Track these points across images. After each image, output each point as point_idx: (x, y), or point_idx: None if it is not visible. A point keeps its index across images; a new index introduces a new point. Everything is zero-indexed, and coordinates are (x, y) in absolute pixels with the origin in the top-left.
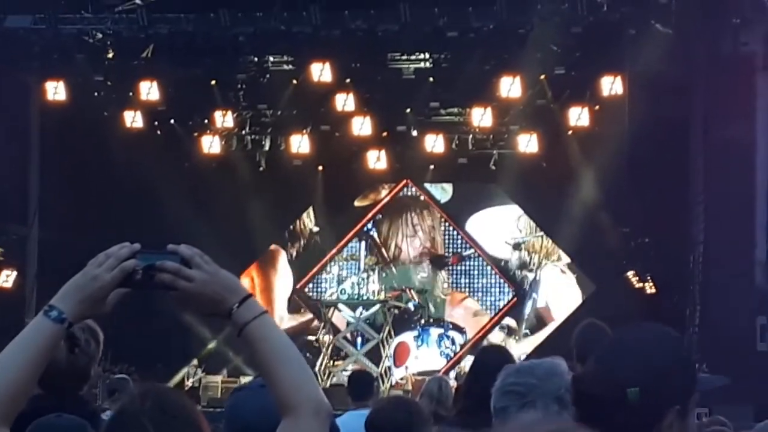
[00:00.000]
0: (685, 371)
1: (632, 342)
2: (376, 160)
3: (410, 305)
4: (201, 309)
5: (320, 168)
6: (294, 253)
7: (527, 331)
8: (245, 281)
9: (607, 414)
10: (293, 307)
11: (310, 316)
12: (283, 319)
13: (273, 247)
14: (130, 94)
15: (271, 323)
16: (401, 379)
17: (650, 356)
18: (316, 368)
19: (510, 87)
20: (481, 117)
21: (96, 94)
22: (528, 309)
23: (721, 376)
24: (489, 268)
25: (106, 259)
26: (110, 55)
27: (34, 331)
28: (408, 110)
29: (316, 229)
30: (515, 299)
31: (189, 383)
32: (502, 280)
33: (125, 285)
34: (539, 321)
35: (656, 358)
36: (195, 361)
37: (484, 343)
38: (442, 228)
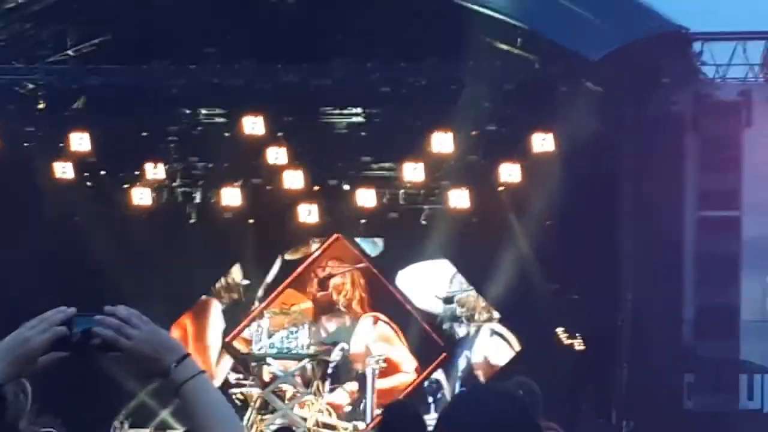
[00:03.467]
0: (526, 428)
1: (472, 401)
2: (308, 213)
3: (339, 359)
4: (139, 369)
5: (251, 221)
6: (224, 306)
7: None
8: (176, 332)
9: None
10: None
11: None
12: (218, 372)
13: (204, 298)
14: (61, 144)
15: (208, 383)
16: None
17: (489, 416)
18: (244, 422)
19: (442, 142)
20: (413, 172)
21: (26, 144)
22: (462, 364)
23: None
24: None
25: (39, 323)
26: (41, 106)
27: None
28: (340, 164)
29: (245, 282)
30: (445, 355)
31: None
32: (431, 336)
33: (61, 348)
34: (471, 376)
35: (495, 418)
36: (122, 415)
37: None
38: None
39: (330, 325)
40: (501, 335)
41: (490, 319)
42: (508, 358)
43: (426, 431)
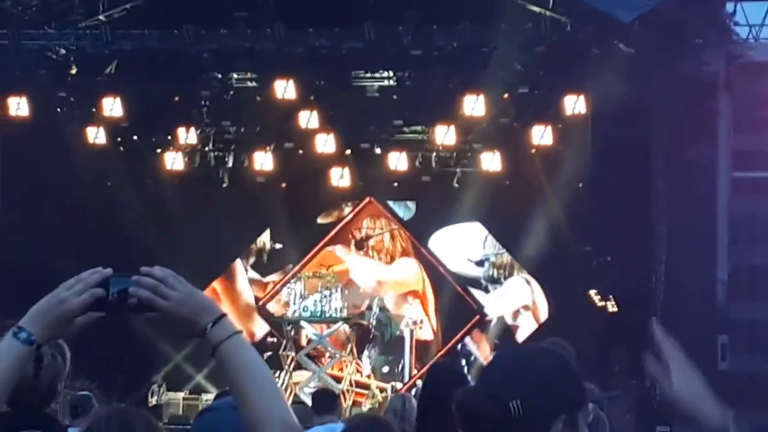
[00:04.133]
0: (569, 383)
1: (513, 359)
2: (340, 177)
3: (373, 322)
4: (175, 329)
5: (283, 185)
6: (257, 270)
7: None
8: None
9: (491, 430)
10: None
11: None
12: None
13: (236, 262)
14: (93, 110)
15: (245, 343)
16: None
17: (530, 370)
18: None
19: (473, 105)
20: (445, 135)
21: (59, 110)
22: (493, 325)
23: (617, 391)
24: (451, 286)
25: (76, 283)
26: (73, 71)
27: (3, 352)
28: (371, 128)
29: (278, 246)
30: (478, 318)
31: (153, 401)
32: (464, 298)
33: (98, 309)
34: (504, 336)
35: (536, 372)
36: (158, 379)
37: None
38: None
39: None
40: (537, 289)
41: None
42: (542, 315)
43: None
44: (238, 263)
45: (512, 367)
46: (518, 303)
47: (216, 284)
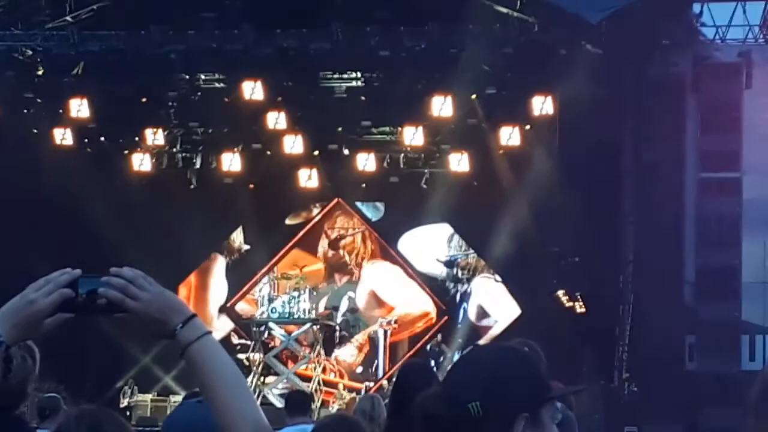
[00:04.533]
0: (529, 381)
1: (471, 360)
2: (308, 178)
3: (340, 322)
4: (145, 330)
5: (251, 186)
6: (224, 272)
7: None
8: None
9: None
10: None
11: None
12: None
13: (208, 260)
14: (60, 111)
15: (214, 344)
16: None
17: (489, 371)
18: None
19: (441, 106)
20: (413, 136)
21: (26, 111)
22: (460, 326)
23: (580, 385)
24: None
25: (45, 284)
26: (40, 72)
27: None
28: (340, 129)
29: (246, 247)
30: (446, 318)
31: (125, 402)
32: (432, 299)
33: (67, 310)
34: (472, 337)
35: (495, 372)
36: (128, 380)
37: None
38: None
39: (337, 285)
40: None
41: (491, 275)
42: (512, 313)
43: None
44: (213, 260)
45: (470, 369)
46: (486, 304)
47: (184, 285)
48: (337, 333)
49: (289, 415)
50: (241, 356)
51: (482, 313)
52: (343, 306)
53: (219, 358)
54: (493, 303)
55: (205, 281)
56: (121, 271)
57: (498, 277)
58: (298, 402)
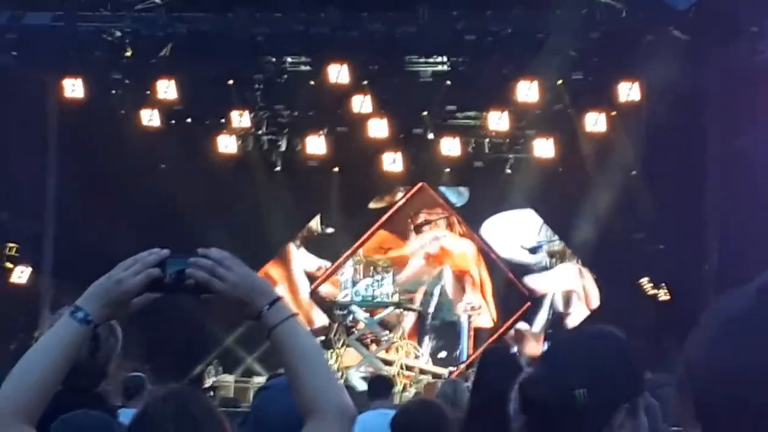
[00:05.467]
0: (630, 370)
1: (576, 344)
2: (392, 162)
3: (429, 309)
4: (231, 311)
5: (336, 169)
6: (309, 254)
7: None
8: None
9: (556, 418)
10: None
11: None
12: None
13: (288, 246)
14: (148, 92)
15: (300, 326)
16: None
17: (595, 357)
18: None
19: (527, 91)
20: (498, 121)
21: (113, 92)
22: (544, 313)
23: (667, 375)
24: (503, 273)
25: (133, 264)
26: (128, 54)
27: (61, 331)
28: (425, 113)
29: (330, 230)
30: (528, 305)
31: (209, 382)
32: (516, 285)
33: (154, 290)
34: (555, 323)
35: (601, 359)
36: (212, 360)
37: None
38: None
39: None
40: (588, 278)
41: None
42: (594, 302)
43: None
44: (292, 247)
45: (575, 354)
46: (569, 290)
47: (269, 267)
48: (425, 317)
49: (371, 399)
50: (322, 338)
51: (566, 300)
52: (435, 290)
53: (304, 341)
54: (577, 290)
55: (286, 270)
56: (208, 251)
57: (582, 264)
58: (379, 386)
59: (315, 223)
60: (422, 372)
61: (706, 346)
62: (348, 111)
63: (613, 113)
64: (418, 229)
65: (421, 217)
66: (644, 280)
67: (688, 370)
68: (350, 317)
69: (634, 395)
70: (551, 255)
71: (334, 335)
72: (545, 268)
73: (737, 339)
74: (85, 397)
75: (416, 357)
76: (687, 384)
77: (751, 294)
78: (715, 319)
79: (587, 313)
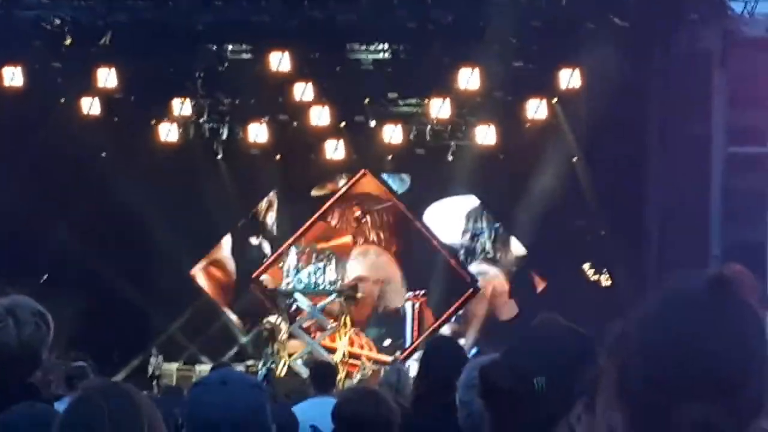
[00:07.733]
0: (592, 365)
1: (539, 334)
2: (334, 150)
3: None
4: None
5: (278, 157)
6: (250, 242)
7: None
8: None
9: (514, 405)
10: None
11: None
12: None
13: (229, 234)
14: (88, 81)
15: None
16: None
17: (557, 347)
18: (271, 355)
19: (468, 79)
20: (440, 108)
21: (53, 80)
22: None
23: None
24: (445, 260)
25: None
26: (68, 42)
27: None
28: (366, 101)
29: (273, 218)
30: (471, 291)
31: (151, 371)
32: (458, 272)
33: None
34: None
35: (563, 350)
36: (154, 349)
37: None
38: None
39: (360, 258)
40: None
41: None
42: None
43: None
44: (234, 234)
45: (539, 344)
46: (510, 276)
47: (212, 254)
48: (365, 305)
49: (314, 386)
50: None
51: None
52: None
53: None
54: (519, 276)
55: (224, 260)
56: None
57: (523, 250)
58: (322, 373)
59: (264, 207)
60: (369, 359)
61: (646, 326)
62: (290, 99)
63: (554, 100)
64: (358, 217)
65: (362, 204)
66: (586, 266)
67: (623, 347)
68: (294, 306)
69: (594, 390)
70: (492, 241)
71: (277, 323)
72: (486, 253)
73: (676, 328)
74: (19, 387)
75: (360, 346)
76: (616, 360)
77: (702, 284)
78: (661, 303)
79: (529, 299)
